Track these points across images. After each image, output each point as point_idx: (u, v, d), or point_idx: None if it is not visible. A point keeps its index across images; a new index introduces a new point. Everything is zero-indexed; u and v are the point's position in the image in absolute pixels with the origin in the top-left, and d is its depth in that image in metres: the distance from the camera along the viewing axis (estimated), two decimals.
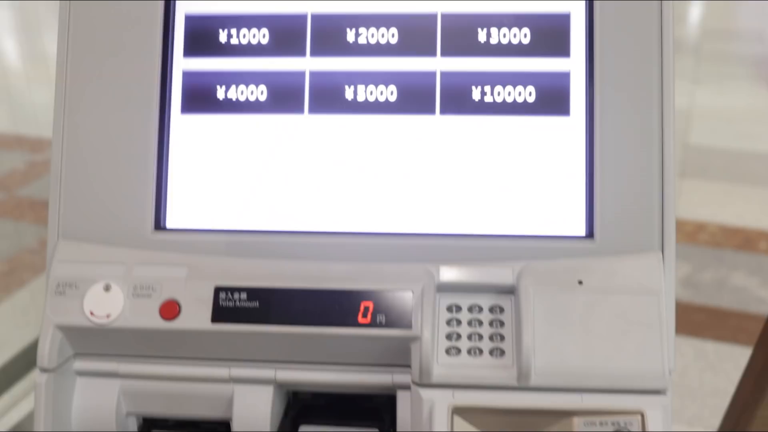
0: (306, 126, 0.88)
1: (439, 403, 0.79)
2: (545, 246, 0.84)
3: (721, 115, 4.36)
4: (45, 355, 0.84)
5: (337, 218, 0.87)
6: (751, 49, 5.83)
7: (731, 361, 2.45)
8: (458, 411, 0.78)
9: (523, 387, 0.79)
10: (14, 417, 2.03)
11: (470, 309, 0.83)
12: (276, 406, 0.88)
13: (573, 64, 0.86)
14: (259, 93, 0.89)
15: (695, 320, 2.66)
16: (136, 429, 0.91)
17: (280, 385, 0.88)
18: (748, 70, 5.30)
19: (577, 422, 0.78)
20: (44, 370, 0.84)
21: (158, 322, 0.83)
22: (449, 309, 0.83)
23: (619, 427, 0.77)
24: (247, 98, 0.89)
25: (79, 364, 0.88)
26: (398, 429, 0.85)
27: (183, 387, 0.88)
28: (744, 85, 4.99)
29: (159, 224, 0.88)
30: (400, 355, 0.82)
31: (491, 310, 0.83)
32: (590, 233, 0.84)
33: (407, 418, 0.84)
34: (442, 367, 0.80)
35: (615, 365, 0.78)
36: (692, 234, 3.15)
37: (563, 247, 0.84)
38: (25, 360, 2.14)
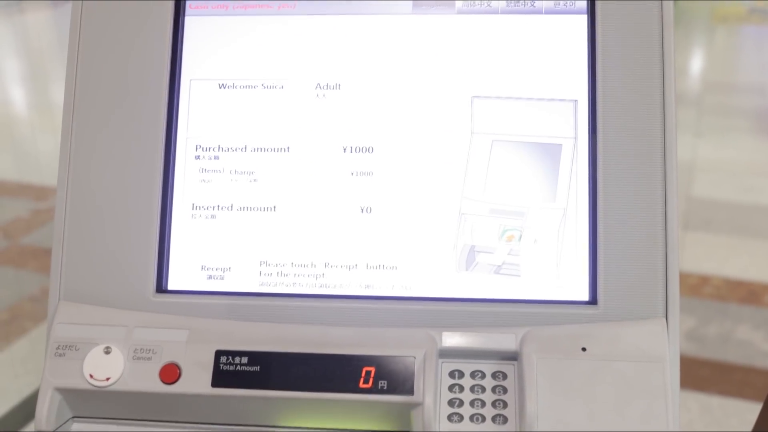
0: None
1: None
2: (548, 312, 0.84)
3: (724, 168, 4.37)
4: (43, 417, 0.83)
5: (340, 280, 0.87)
6: (752, 102, 5.87)
7: (737, 416, 2.42)
8: None
9: None
10: None
11: (473, 375, 0.82)
12: None
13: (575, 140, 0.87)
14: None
15: (700, 375, 2.63)
16: None
17: None
18: (750, 123, 5.33)
19: None
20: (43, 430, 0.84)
21: (158, 386, 0.83)
22: (451, 375, 0.82)
23: None
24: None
25: (78, 427, 0.87)
26: None
27: None
28: (746, 138, 5.01)
29: (160, 287, 0.88)
30: (401, 422, 0.82)
31: (494, 376, 0.82)
32: (594, 299, 0.84)
33: None
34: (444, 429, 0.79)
35: None
36: (696, 287, 3.13)
37: (566, 312, 0.84)
38: (24, 411, 2.13)
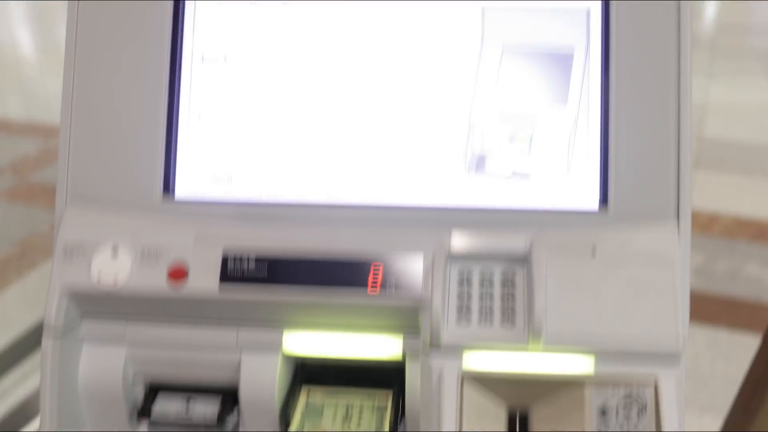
0: (318, 83, 0.87)
1: (449, 369, 0.78)
2: (559, 216, 0.83)
3: (736, 109, 4.32)
4: (52, 317, 0.84)
5: (349, 189, 0.86)
6: (766, 43, 5.78)
7: (743, 349, 2.42)
8: (468, 377, 0.77)
9: (534, 350, 0.78)
10: (21, 393, 2.03)
11: (481, 276, 0.81)
12: (283, 374, 0.87)
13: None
14: None
15: (708, 310, 2.63)
16: (142, 395, 0.90)
17: (287, 353, 0.87)
18: (763, 65, 5.26)
19: (588, 387, 0.77)
20: (51, 334, 0.84)
21: (165, 287, 0.83)
22: (460, 276, 0.82)
23: (632, 393, 0.76)
24: None
25: (86, 328, 0.88)
26: (408, 396, 0.84)
27: (190, 353, 0.87)
28: (759, 80, 4.94)
29: (167, 192, 0.87)
30: (409, 321, 0.81)
31: (503, 277, 0.81)
32: (604, 204, 0.83)
33: (416, 386, 0.83)
34: (452, 333, 0.79)
35: (628, 329, 0.77)
36: (706, 225, 3.12)
37: (577, 217, 0.83)
38: (34, 338, 2.14)
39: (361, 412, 0.88)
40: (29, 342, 2.13)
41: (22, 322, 2.27)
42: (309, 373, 0.91)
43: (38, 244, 3.00)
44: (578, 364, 0.78)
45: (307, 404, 0.88)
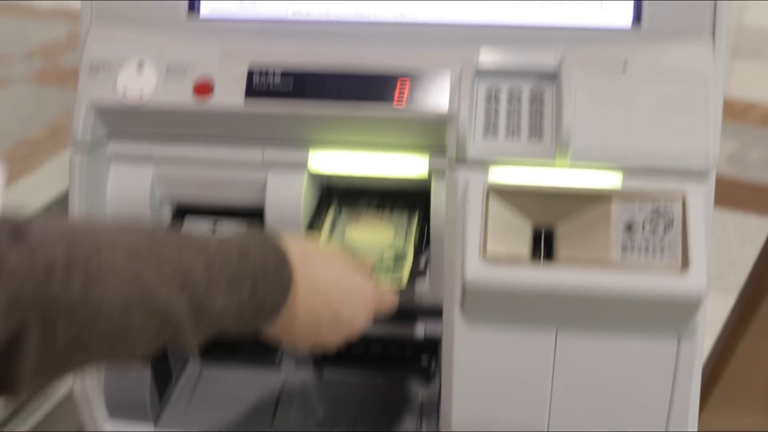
0: None
1: (474, 183, 0.77)
2: (591, 33, 0.81)
3: None
4: (79, 132, 0.84)
5: (377, 5, 0.84)
6: None
7: None
8: (493, 190, 0.77)
9: (561, 165, 0.77)
10: None
11: (510, 93, 0.80)
12: (309, 193, 0.87)
13: None
14: None
15: (739, 195, 2.61)
16: (170, 215, 0.91)
17: (313, 173, 0.87)
18: None
19: (615, 203, 0.76)
20: (78, 149, 0.84)
21: (191, 101, 0.82)
22: (488, 93, 0.80)
23: (659, 209, 0.75)
24: None
25: (113, 147, 0.88)
26: (432, 214, 0.84)
27: (217, 172, 0.87)
28: None
29: (192, 9, 0.86)
30: (435, 139, 0.81)
31: (531, 94, 0.80)
32: (638, 20, 0.80)
33: (442, 207, 0.82)
34: (478, 147, 0.78)
35: (657, 144, 0.76)
36: (742, 113, 3.06)
37: (610, 34, 0.81)
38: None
39: (386, 233, 0.88)
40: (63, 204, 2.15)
41: (55, 190, 2.29)
42: (336, 198, 0.91)
43: (68, 124, 3.01)
44: (605, 181, 0.77)
45: (333, 224, 0.88)
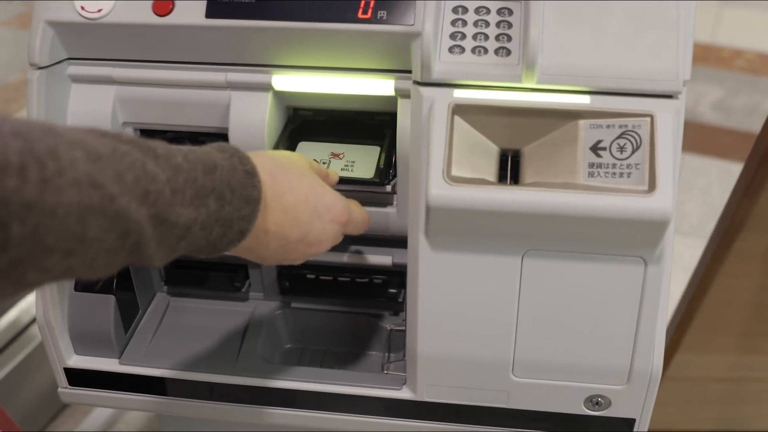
0: None
1: (440, 100, 0.75)
2: None
3: None
4: (36, 51, 0.81)
5: None
6: None
7: None
8: (459, 109, 0.75)
9: (527, 87, 0.75)
10: None
11: (477, 11, 0.78)
12: (274, 116, 0.85)
13: None
14: None
15: (723, 143, 2.60)
16: None
17: (278, 94, 0.85)
18: None
19: (582, 124, 0.74)
20: (36, 65, 0.82)
21: (151, 18, 0.80)
22: (455, 10, 0.78)
23: (627, 129, 0.74)
24: None
25: (74, 69, 0.85)
26: (399, 139, 0.82)
27: (180, 94, 0.85)
28: None
29: None
30: (401, 59, 0.79)
31: (499, 12, 0.78)
32: None
33: (407, 130, 0.81)
34: (444, 64, 0.76)
35: (626, 65, 0.74)
36: (728, 60, 3.04)
37: None
38: None
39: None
40: None
41: None
42: (301, 125, 0.89)
43: None
44: (573, 98, 0.75)
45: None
